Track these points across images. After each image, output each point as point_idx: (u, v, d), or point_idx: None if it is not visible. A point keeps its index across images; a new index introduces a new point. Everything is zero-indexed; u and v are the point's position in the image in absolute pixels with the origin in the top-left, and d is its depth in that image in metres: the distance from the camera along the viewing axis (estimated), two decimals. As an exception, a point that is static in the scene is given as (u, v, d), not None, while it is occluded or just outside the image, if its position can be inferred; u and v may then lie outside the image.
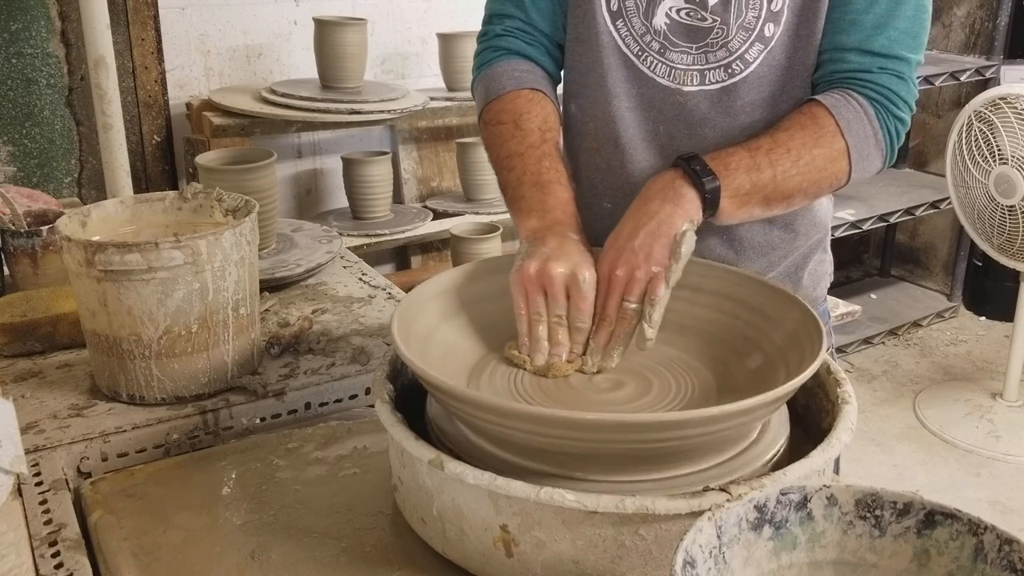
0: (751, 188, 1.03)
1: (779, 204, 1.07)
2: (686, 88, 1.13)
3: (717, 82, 1.12)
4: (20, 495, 0.98)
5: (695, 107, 1.14)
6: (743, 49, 1.10)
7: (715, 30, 1.10)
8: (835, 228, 3.32)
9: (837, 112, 1.07)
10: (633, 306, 0.98)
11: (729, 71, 1.12)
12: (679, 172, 1.03)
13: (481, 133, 1.22)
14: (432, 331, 1.00)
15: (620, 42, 1.15)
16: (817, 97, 1.10)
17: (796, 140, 1.06)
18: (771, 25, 1.09)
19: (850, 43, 1.09)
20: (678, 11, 1.11)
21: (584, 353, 1.00)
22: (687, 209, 1.00)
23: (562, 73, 1.26)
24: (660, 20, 1.12)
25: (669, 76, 1.14)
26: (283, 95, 2.56)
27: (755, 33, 1.10)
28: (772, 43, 1.10)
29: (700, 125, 1.14)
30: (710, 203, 1.01)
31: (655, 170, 1.17)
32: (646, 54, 1.14)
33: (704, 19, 1.10)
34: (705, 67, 1.12)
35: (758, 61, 1.11)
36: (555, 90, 1.25)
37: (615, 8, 1.14)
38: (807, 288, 1.26)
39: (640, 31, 1.13)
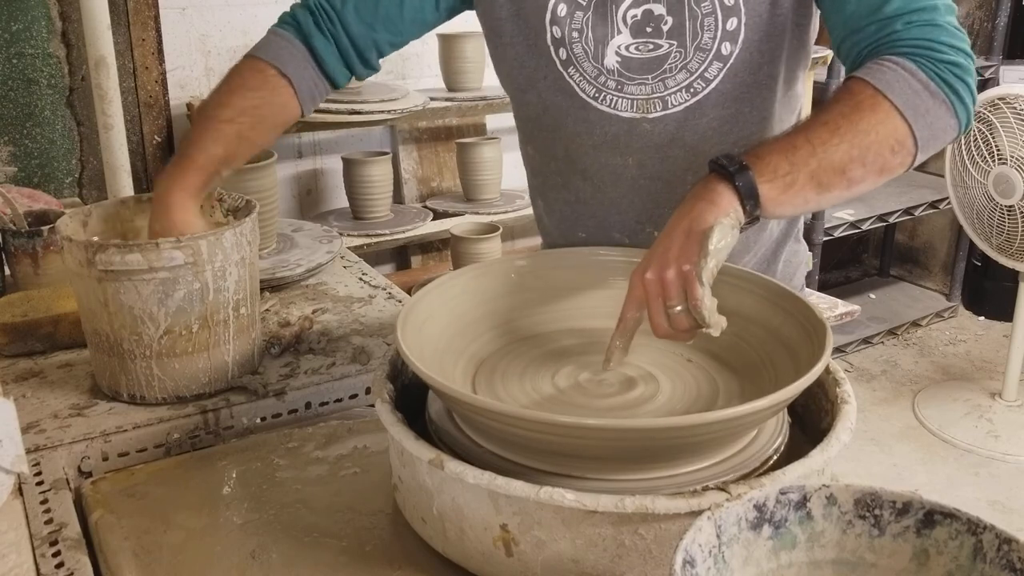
0: (790, 167, 0.96)
1: (836, 179, 0.99)
2: (651, 115, 1.13)
3: (680, 104, 1.12)
4: (21, 495, 0.98)
5: (662, 131, 1.13)
6: (702, 68, 1.10)
7: (672, 54, 1.10)
8: (834, 228, 3.33)
9: (871, 76, 1.00)
10: (678, 308, 0.91)
11: (691, 91, 1.11)
12: (712, 173, 0.97)
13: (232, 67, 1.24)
14: (431, 332, 1.00)
15: (575, 87, 1.15)
16: (850, 75, 1.03)
17: (832, 112, 0.99)
18: (728, 44, 1.09)
19: (863, 21, 1.03)
20: (627, 47, 1.11)
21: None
22: (721, 205, 0.93)
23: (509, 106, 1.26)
24: (611, 60, 1.11)
25: (632, 107, 1.13)
26: (283, 95, 2.55)
27: (712, 52, 1.09)
28: (731, 60, 1.09)
29: (669, 146, 1.14)
30: (747, 193, 0.94)
31: (626, 197, 1.18)
32: (603, 93, 1.14)
33: (659, 47, 1.10)
34: (665, 93, 1.12)
35: (719, 78, 1.10)
36: (320, 83, 1.24)
37: (564, 57, 1.14)
38: (782, 279, 1.25)
39: (593, 73, 1.13)
